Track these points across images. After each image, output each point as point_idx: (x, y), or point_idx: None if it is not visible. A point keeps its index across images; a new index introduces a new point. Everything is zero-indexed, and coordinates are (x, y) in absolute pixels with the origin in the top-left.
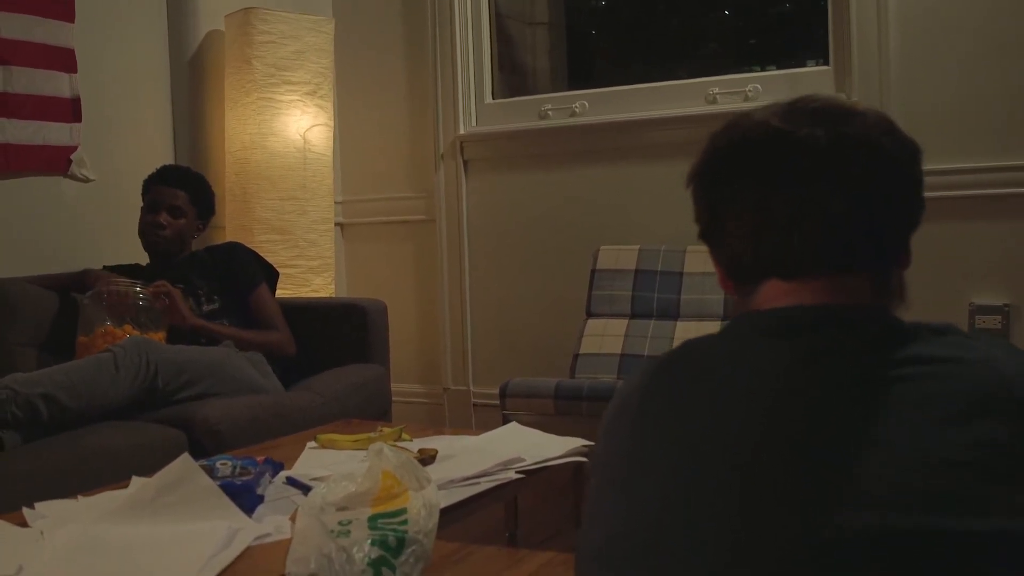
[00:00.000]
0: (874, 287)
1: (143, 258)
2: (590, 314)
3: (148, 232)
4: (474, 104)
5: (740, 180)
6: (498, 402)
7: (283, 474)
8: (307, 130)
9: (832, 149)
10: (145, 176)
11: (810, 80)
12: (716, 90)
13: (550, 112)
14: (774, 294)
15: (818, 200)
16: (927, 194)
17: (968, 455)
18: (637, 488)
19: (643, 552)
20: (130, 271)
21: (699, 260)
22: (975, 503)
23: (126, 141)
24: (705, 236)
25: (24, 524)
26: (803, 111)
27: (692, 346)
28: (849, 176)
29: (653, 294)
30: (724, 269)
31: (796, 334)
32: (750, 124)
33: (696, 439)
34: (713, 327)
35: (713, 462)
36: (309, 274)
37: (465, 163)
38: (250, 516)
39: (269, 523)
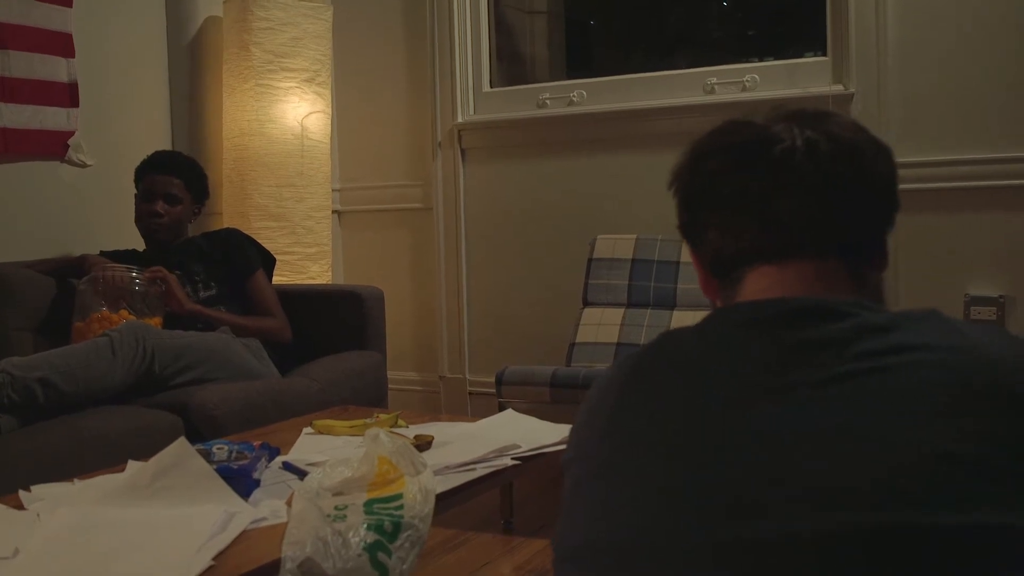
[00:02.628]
0: (851, 280)
1: (140, 243)
2: (586, 303)
3: (146, 221)
4: (472, 92)
5: (716, 172)
6: (494, 390)
7: (279, 459)
8: (305, 117)
9: (806, 141)
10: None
11: (808, 71)
12: (714, 80)
13: (548, 101)
14: (757, 285)
15: (793, 184)
16: (925, 186)
17: (956, 448)
18: (613, 487)
19: (621, 553)
20: (127, 256)
21: None
22: (964, 497)
23: (124, 127)
24: (686, 234)
25: (21, 507)
26: (780, 113)
27: (668, 341)
28: (822, 163)
29: (650, 283)
30: (707, 266)
31: (775, 326)
32: (728, 124)
33: (673, 436)
34: None
35: (691, 459)
36: (306, 261)
37: (463, 151)
38: (246, 500)
39: (265, 507)
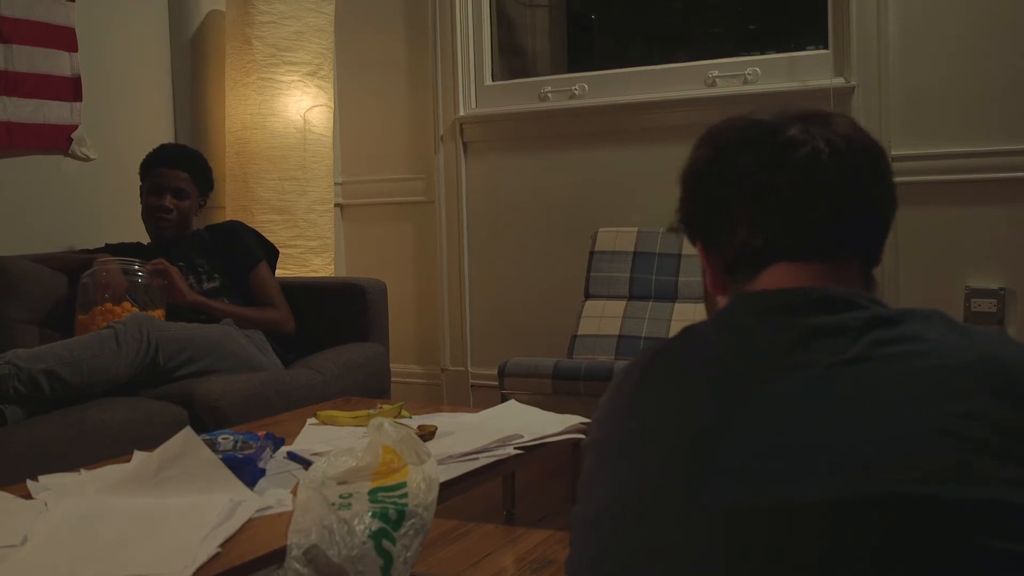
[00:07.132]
0: (862, 278)
1: (144, 237)
2: (588, 295)
3: (154, 216)
4: (474, 86)
5: (746, 172)
6: (496, 382)
7: (284, 449)
8: (307, 111)
9: (828, 143)
10: (144, 156)
11: (809, 64)
12: (715, 73)
13: (550, 94)
14: (774, 278)
15: (822, 187)
16: (925, 178)
17: (960, 427)
18: (633, 460)
19: (638, 517)
20: (132, 249)
21: None
22: (966, 473)
23: (127, 120)
24: (703, 232)
25: (28, 496)
26: (788, 114)
27: (689, 329)
28: (847, 167)
29: (651, 276)
30: (724, 263)
31: (791, 312)
32: (743, 123)
33: (691, 412)
34: None
35: (706, 434)
36: (309, 254)
37: (465, 145)
38: (252, 489)
39: (271, 496)
